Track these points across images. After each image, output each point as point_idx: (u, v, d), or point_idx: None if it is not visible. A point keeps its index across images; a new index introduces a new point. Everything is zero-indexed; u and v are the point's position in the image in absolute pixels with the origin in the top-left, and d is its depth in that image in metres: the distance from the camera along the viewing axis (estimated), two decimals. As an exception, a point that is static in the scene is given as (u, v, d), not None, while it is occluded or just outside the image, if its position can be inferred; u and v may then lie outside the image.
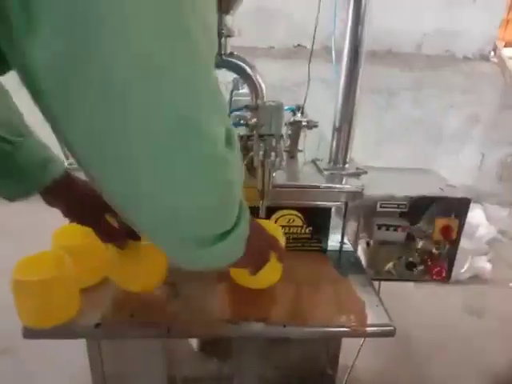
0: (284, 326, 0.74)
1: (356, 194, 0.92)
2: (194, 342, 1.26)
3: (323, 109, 1.41)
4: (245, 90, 1.25)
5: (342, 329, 0.74)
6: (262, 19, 2.49)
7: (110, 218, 0.69)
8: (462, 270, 2.02)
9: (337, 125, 0.96)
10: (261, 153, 0.72)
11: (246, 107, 0.73)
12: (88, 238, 0.78)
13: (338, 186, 0.92)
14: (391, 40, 2.54)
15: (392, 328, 0.75)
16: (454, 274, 1.02)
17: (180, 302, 0.78)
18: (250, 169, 0.80)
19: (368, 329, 0.74)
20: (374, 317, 0.76)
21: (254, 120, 0.72)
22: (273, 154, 0.71)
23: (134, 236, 0.71)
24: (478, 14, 2.47)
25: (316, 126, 0.98)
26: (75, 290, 0.73)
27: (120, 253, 0.71)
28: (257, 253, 0.64)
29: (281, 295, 0.81)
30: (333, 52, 1.84)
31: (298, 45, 2.57)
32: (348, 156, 0.99)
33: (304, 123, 0.90)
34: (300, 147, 1.05)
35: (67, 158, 1.02)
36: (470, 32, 2.51)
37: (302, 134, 1.02)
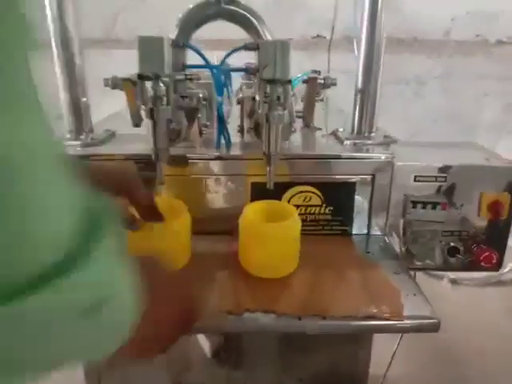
0: (299, 319, 0.59)
1: (385, 165, 0.77)
2: (206, 348, 1.14)
3: (345, 100, 1.28)
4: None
5: (372, 322, 0.58)
6: (279, 11, 2.38)
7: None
8: (506, 270, 1.81)
9: (360, 86, 0.82)
10: (265, 104, 0.59)
11: (245, 47, 0.60)
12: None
13: (362, 155, 0.77)
14: (417, 26, 2.38)
15: (436, 321, 0.59)
16: (494, 274, 0.86)
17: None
18: (257, 131, 0.67)
19: (406, 321, 0.58)
20: (412, 308, 0.61)
21: (251, 67, 0.59)
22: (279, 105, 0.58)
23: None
24: (511, -5, 2.28)
25: (335, 84, 0.83)
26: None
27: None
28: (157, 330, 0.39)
29: (297, 284, 0.67)
30: (354, 42, 1.70)
31: (318, 35, 2.44)
32: (374, 123, 0.85)
33: (320, 81, 0.76)
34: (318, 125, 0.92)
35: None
36: (504, 13, 2.32)
37: (320, 110, 0.88)
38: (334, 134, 0.88)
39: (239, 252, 0.70)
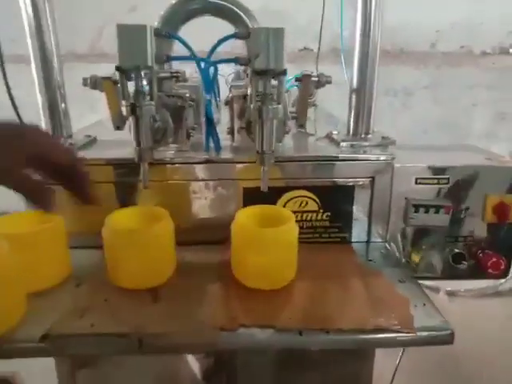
0: (300, 334, 0.53)
1: (385, 166, 0.73)
2: (196, 369, 1.07)
3: (335, 111, 1.25)
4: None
5: (381, 335, 0.53)
6: (265, 23, 2.37)
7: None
8: (503, 280, 1.77)
9: (355, 85, 0.78)
10: (257, 97, 0.54)
11: (236, 35, 0.56)
12: (42, 225, 0.60)
13: (361, 156, 0.73)
14: (403, 38, 2.39)
15: (450, 331, 0.54)
16: (492, 284, 0.81)
17: (160, 308, 0.58)
18: (249, 130, 0.62)
19: (419, 333, 0.53)
20: (422, 318, 0.56)
21: (243, 59, 0.54)
22: (272, 97, 0.53)
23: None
24: (493, 6, 2.31)
25: (329, 82, 0.79)
26: (17, 293, 0.54)
27: None
28: None
29: (296, 295, 0.61)
30: (341, 54, 1.69)
31: (304, 48, 2.43)
32: (371, 125, 0.81)
33: (314, 78, 0.72)
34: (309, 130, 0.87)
35: (19, 117, 0.85)
36: (487, 25, 2.35)
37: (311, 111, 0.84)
38: (329, 136, 0.84)
39: (232, 261, 0.64)
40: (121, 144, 0.79)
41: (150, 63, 0.53)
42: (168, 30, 0.59)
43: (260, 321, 0.55)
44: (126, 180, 0.71)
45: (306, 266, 0.65)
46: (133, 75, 0.53)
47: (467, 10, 2.34)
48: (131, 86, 0.57)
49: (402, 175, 0.74)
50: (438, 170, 0.74)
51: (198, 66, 0.61)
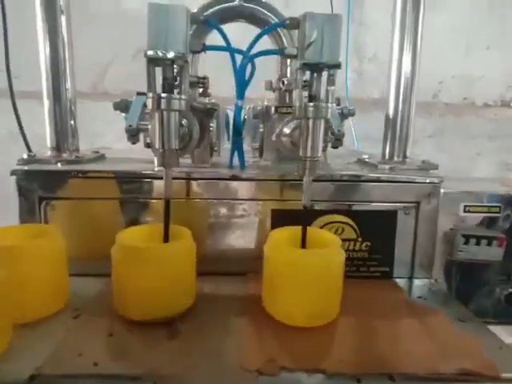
0: (358, 381, 0.42)
1: (432, 190, 0.65)
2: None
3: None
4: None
5: (463, 382, 0.42)
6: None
7: None
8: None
9: (391, 110, 0.72)
10: (304, 94, 0.46)
11: (284, 23, 0.49)
12: (35, 239, 0.50)
13: (405, 177, 0.65)
14: (406, 88, 2.41)
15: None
16: None
17: (178, 345, 0.47)
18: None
19: (504, 375, 0.42)
20: (500, 363, 0.45)
21: (291, 49, 0.47)
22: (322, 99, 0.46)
23: None
24: (493, 60, 2.37)
25: (353, 115, 0.73)
26: (1, 323, 0.43)
27: None
28: None
29: (344, 333, 0.50)
30: (346, 101, 1.68)
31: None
32: (408, 148, 0.74)
33: (338, 110, 0.65)
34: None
35: (29, 150, 0.78)
36: (488, 78, 2.39)
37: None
38: (361, 161, 0.76)
39: (263, 291, 0.54)
40: (130, 161, 0.72)
41: (184, 50, 0.46)
42: (206, 17, 0.53)
43: (305, 363, 0.44)
44: (135, 196, 0.62)
45: (347, 302, 0.54)
46: (166, 63, 0.45)
47: (468, 64, 2.39)
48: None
49: (448, 202, 0.66)
50: (490, 197, 0.66)
51: (233, 61, 0.54)
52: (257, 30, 0.64)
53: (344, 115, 0.71)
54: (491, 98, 2.47)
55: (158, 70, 0.48)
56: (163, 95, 0.46)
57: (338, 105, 0.69)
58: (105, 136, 1.81)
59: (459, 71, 2.44)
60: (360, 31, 2.01)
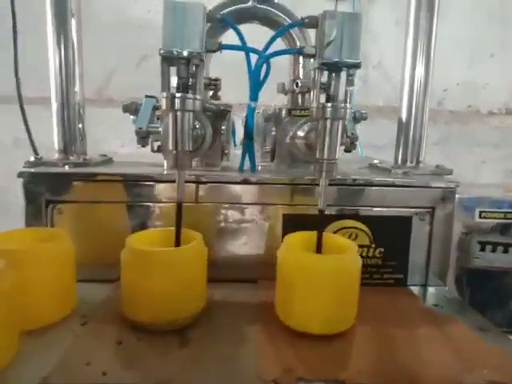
0: (379, 392, 0.40)
1: (447, 195, 0.63)
2: None
3: None
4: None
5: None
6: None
7: None
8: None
9: (404, 114, 0.71)
10: (322, 96, 0.45)
11: (302, 22, 0.48)
12: (42, 242, 0.48)
13: (420, 182, 0.64)
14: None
15: None
16: None
17: (190, 353, 0.45)
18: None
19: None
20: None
21: (310, 48, 0.46)
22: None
23: None
24: (497, 69, 2.37)
25: (365, 118, 0.71)
26: (5, 327, 0.41)
27: None
28: None
29: (362, 342, 0.49)
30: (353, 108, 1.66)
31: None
32: (422, 153, 0.72)
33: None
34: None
35: (36, 153, 0.77)
36: (492, 87, 2.39)
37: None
38: (373, 166, 0.75)
39: (277, 298, 0.52)
40: (138, 164, 0.71)
41: (200, 48, 0.44)
42: (223, 16, 0.52)
43: (322, 374, 0.42)
44: (143, 200, 0.61)
45: (362, 310, 0.52)
46: (181, 62, 0.44)
47: (472, 72, 2.39)
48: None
49: (463, 208, 0.65)
50: (504, 204, 0.64)
51: (248, 61, 0.53)
52: (268, 31, 0.64)
53: (356, 119, 0.70)
54: (496, 105, 2.47)
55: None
56: (178, 95, 0.44)
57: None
58: (109, 141, 1.80)
59: (463, 79, 2.44)
60: (365, 39, 2.00)
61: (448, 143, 2.32)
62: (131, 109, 0.63)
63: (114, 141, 1.83)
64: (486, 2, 2.19)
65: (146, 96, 0.66)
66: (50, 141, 0.71)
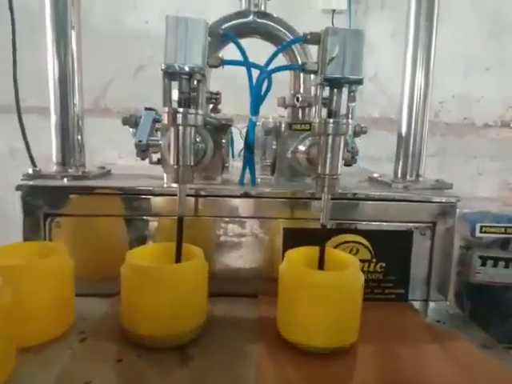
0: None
1: (448, 210, 0.63)
2: None
3: None
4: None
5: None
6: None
7: None
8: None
9: (404, 128, 0.71)
10: (324, 111, 0.45)
11: (305, 38, 0.48)
12: (40, 258, 0.48)
13: (420, 196, 0.64)
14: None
15: None
16: None
17: (190, 373, 0.44)
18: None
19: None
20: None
21: (312, 64, 0.46)
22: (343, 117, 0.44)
23: None
24: (493, 82, 2.39)
25: (365, 132, 0.72)
26: (6, 348, 0.41)
27: None
28: None
29: (366, 359, 0.48)
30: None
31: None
32: (422, 166, 0.72)
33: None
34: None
35: (34, 165, 0.76)
36: (487, 99, 2.41)
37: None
38: (372, 179, 0.75)
39: (278, 316, 0.51)
40: (137, 177, 0.70)
41: (202, 64, 0.44)
42: (225, 30, 0.52)
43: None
44: (142, 214, 0.60)
45: (364, 325, 0.52)
46: (183, 77, 0.44)
47: (467, 85, 2.41)
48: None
49: (464, 222, 0.65)
50: (505, 219, 0.64)
51: (249, 76, 0.53)
52: (269, 46, 0.64)
53: (356, 133, 0.70)
54: (491, 118, 2.49)
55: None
56: (180, 110, 0.44)
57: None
58: (104, 151, 1.80)
59: (459, 91, 2.47)
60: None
61: (444, 155, 2.33)
62: (131, 121, 0.63)
63: (110, 151, 1.83)
64: (482, 16, 2.22)
65: (146, 108, 0.66)
66: (48, 151, 0.71)
